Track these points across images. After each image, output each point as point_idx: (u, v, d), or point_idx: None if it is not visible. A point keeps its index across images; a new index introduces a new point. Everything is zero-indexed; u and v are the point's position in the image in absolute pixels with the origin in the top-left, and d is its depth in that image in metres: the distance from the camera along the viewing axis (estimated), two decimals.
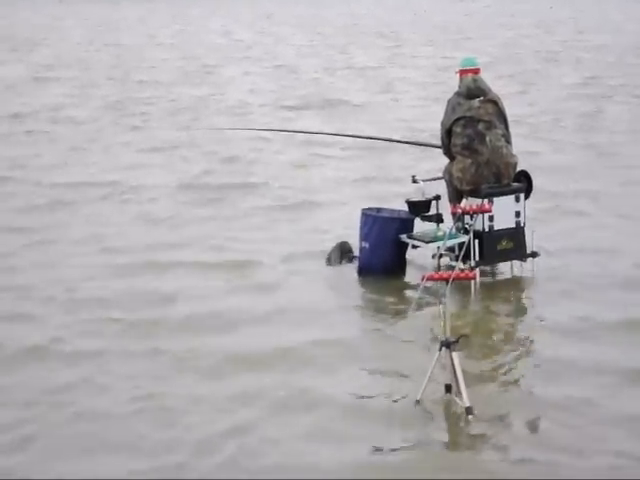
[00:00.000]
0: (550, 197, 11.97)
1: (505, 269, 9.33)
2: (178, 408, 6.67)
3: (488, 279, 9.10)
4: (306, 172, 13.95)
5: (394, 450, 6.07)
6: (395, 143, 12.69)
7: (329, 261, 9.67)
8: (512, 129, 9.51)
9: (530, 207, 9.42)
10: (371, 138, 13.07)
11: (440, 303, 7.94)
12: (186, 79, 22.68)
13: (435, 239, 8.90)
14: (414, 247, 9.15)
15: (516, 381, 7.13)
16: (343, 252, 9.68)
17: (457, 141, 9.25)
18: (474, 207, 7.56)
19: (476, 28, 32.61)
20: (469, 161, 9.14)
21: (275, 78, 22.42)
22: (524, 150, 11.82)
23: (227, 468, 5.91)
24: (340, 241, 9.79)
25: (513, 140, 9.40)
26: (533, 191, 9.35)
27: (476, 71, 9.43)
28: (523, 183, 9.26)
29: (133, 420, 6.52)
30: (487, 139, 9.17)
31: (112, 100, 19.93)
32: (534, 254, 9.14)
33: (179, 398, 6.81)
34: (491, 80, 9.84)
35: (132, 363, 7.44)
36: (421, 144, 11.50)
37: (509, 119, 9.43)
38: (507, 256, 9.16)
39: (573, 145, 15.90)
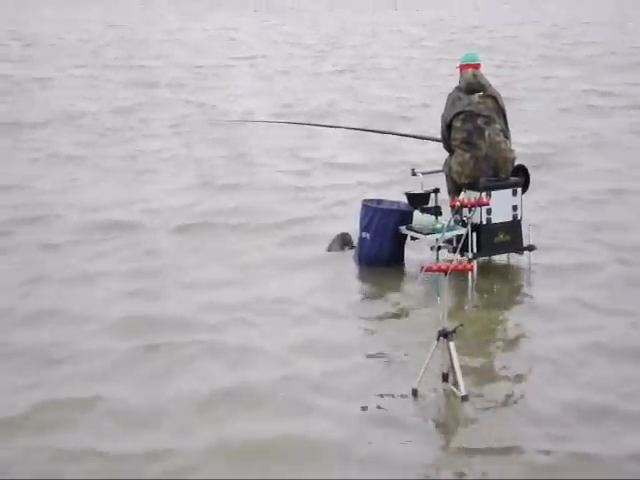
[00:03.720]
0: None
1: (502, 261, 9.47)
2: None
3: (485, 271, 9.22)
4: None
5: (390, 438, 6.18)
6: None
7: (330, 250, 9.82)
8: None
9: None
10: (371, 131, 13.19)
11: (438, 294, 8.07)
12: (198, 81, 22.21)
13: (434, 231, 9.03)
14: (413, 239, 9.29)
15: (512, 370, 7.22)
16: (344, 243, 9.84)
17: (457, 135, 9.38)
18: (472, 200, 7.69)
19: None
20: (468, 155, 9.27)
21: (298, 81, 22.00)
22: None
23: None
24: (341, 232, 9.93)
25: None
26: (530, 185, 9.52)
27: (476, 66, 9.56)
28: (520, 177, 9.41)
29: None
30: (486, 134, 9.30)
31: (127, 105, 18.93)
32: (531, 247, 9.27)
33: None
34: None
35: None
36: (423, 137, 11.62)
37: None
38: (504, 249, 9.29)
39: None
